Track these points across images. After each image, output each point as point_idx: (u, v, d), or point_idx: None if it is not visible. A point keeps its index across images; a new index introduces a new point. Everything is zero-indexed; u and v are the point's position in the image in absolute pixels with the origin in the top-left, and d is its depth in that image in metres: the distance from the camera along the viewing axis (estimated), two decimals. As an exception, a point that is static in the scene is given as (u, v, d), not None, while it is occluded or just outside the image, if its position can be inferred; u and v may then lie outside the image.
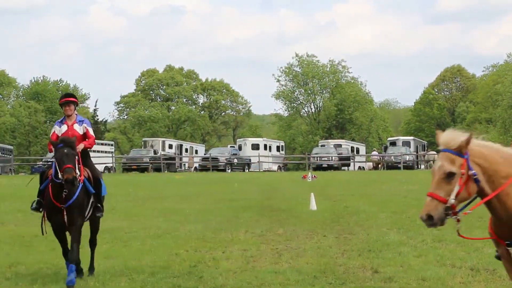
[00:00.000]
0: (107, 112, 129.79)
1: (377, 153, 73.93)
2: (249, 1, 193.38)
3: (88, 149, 11.94)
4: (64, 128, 11.64)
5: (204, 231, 16.68)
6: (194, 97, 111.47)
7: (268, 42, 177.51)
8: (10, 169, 68.53)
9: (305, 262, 12.31)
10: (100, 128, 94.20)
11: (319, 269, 11.55)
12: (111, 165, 69.78)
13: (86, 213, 11.22)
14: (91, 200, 11.28)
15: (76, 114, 11.71)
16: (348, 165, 68.60)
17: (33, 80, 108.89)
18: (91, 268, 11.58)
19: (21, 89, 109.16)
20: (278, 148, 77.56)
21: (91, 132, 11.75)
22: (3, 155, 71.47)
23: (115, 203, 24.94)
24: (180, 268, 11.86)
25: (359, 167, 71.21)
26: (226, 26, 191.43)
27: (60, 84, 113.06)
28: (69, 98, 11.81)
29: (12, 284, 10.91)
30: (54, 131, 11.93)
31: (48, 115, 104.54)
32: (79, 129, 11.51)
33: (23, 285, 10.78)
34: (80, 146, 11.28)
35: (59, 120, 12.16)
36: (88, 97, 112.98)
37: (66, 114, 11.72)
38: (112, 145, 79.23)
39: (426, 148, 79.79)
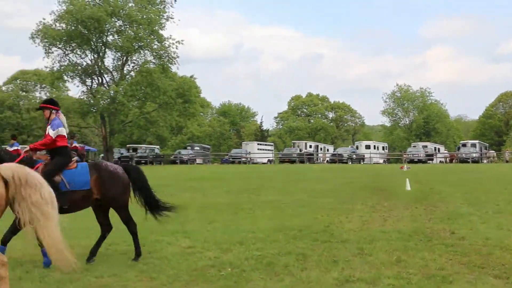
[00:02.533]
0: (269, 124, 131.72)
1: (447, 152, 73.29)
2: (365, 47, 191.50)
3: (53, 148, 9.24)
4: None
5: (334, 203, 16.61)
6: (325, 113, 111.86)
7: (378, 76, 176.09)
8: (208, 160, 70.49)
9: (402, 225, 12.09)
10: (264, 134, 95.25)
11: (412, 230, 11.31)
12: (272, 158, 70.60)
13: None
14: None
15: (54, 118, 9.24)
16: (432, 159, 66.94)
17: (222, 103, 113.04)
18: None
19: (215, 109, 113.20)
20: (383, 148, 76.70)
21: (49, 132, 9.15)
22: (204, 151, 73.69)
23: (275, 183, 25.22)
24: (318, 227, 11.87)
25: (440, 161, 69.43)
26: (350, 66, 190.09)
27: (240, 105, 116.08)
28: (43, 105, 9.53)
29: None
30: None
31: (231, 126, 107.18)
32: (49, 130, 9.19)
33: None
34: (27, 147, 9.29)
35: None
36: (257, 114, 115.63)
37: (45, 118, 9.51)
38: (272, 145, 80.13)
39: (487, 148, 77.42)
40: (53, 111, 9.29)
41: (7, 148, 23.88)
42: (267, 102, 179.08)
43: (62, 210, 8.38)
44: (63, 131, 9.16)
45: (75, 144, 24.15)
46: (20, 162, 8.38)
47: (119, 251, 9.43)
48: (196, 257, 8.97)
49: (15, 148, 23.17)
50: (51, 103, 9.45)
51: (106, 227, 9.23)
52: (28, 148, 9.19)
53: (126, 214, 9.15)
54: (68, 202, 8.64)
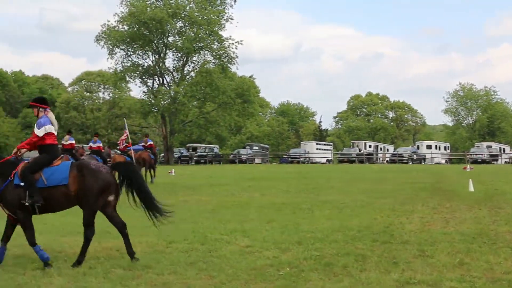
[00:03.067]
0: (328, 123, 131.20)
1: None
2: (427, 46, 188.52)
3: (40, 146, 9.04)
4: None
5: (393, 204, 16.36)
6: (385, 113, 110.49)
7: (440, 75, 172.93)
8: (267, 160, 70.72)
9: (465, 227, 11.79)
10: (323, 134, 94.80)
11: (476, 232, 11.03)
12: (330, 158, 70.24)
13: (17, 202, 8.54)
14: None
15: (42, 116, 9.05)
16: (497, 160, 65.05)
17: (280, 103, 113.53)
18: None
19: (273, 109, 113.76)
20: (445, 148, 75.00)
21: (34, 131, 8.96)
22: (263, 151, 73.98)
23: (334, 183, 25.05)
24: (377, 228, 11.72)
25: (505, 162, 67.38)
26: (411, 65, 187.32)
27: (298, 105, 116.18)
28: (32, 103, 9.29)
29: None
30: None
31: (290, 125, 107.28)
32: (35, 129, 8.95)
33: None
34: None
35: None
36: (315, 114, 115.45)
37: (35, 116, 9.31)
38: (331, 145, 79.71)
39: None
40: (41, 109, 9.17)
41: (90, 145, 25.04)
42: (326, 101, 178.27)
43: (42, 210, 8.65)
44: (51, 129, 9.03)
45: (71, 141, 23.97)
46: (7, 162, 8.75)
47: (179, 249, 9.55)
48: (255, 256, 9.00)
49: (98, 144, 25.06)
50: (39, 102, 9.30)
51: (120, 225, 8.99)
52: (16, 149, 9.17)
53: (90, 216, 8.69)
54: (43, 199, 8.49)
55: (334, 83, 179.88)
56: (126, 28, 64.46)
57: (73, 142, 23.77)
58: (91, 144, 25.66)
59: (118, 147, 28.51)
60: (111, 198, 8.84)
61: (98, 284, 7.35)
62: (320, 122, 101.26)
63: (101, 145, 25.66)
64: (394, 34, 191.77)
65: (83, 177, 8.59)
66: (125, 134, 28.71)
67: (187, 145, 75.79)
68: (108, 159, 26.03)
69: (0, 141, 73.71)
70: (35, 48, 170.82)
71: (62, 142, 24.07)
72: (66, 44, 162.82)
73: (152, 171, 27.69)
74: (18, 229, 11.46)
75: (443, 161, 68.86)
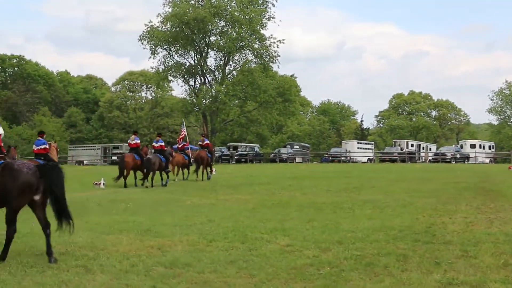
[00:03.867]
0: (369, 122, 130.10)
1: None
2: (473, 44, 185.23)
3: None
4: None
5: (436, 203, 16.11)
6: (428, 111, 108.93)
7: (486, 73, 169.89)
8: (307, 159, 70.51)
9: (510, 228, 11.53)
10: (364, 133, 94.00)
11: (522, 233, 10.81)
12: (372, 157, 69.63)
13: None
14: None
15: None
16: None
17: (321, 102, 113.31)
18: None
19: (314, 108, 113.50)
20: (489, 147, 73.48)
21: None
22: (304, 150, 73.81)
23: (376, 183, 24.82)
24: (419, 228, 11.56)
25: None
26: (456, 63, 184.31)
27: (339, 104, 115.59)
28: None
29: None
30: None
31: (331, 124, 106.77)
32: None
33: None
34: None
35: None
36: (357, 112, 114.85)
37: None
38: (372, 144, 79.00)
39: None
40: None
41: (153, 144, 27.01)
42: (368, 100, 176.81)
43: None
44: None
45: (136, 140, 26.30)
46: None
47: (219, 247, 9.59)
48: (295, 255, 8.98)
49: (160, 144, 26.40)
50: None
51: (43, 225, 8.94)
52: None
53: (11, 215, 8.62)
54: None
55: (376, 81, 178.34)
56: (169, 28, 65.13)
57: (138, 141, 26.08)
58: (154, 143, 26.95)
59: (177, 145, 29.83)
60: (36, 197, 8.80)
61: (139, 281, 7.43)
62: (361, 121, 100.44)
63: (163, 144, 26.79)
64: (438, 32, 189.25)
65: (3, 178, 8.59)
66: (183, 134, 30.76)
67: (228, 144, 76.11)
68: (171, 157, 27.40)
69: (46, 139, 75.21)
70: (81, 48, 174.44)
71: (129, 141, 26.60)
72: (110, 44, 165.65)
73: (208, 168, 29.37)
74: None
75: (487, 160, 67.47)
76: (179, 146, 29.68)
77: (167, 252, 9.10)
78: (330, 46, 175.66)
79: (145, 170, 24.88)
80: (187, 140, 30.39)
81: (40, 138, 19.77)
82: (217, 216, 13.53)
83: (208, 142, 30.89)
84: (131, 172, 25.45)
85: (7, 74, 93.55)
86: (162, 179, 25.74)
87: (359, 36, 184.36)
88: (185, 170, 30.17)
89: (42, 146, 19.39)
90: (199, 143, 30.92)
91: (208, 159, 29.13)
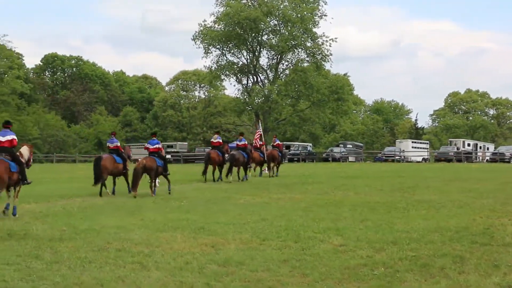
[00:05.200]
0: (424, 121, 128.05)
1: None
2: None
3: None
4: None
5: (494, 204, 15.69)
6: (485, 110, 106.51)
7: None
8: (361, 158, 69.92)
9: None
10: (419, 132, 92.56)
11: None
12: (427, 157, 68.50)
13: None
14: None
15: None
16: None
17: (374, 101, 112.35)
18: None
19: (368, 107, 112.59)
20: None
21: None
22: (357, 149, 73.24)
23: (431, 182, 24.39)
24: (476, 229, 11.28)
25: None
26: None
27: (393, 103, 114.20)
28: None
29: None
30: None
31: (385, 123, 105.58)
32: None
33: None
34: None
35: None
36: (411, 111, 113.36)
37: None
38: (427, 143, 77.70)
39: None
40: None
41: (237, 143, 28.99)
42: (423, 99, 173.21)
43: None
44: None
45: (218, 139, 27.70)
46: None
47: (272, 246, 9.60)
48: (349, 255, 8.91)
49: (244, 142, 28.60)
50: None
51: None
52: None
53: None
54: None
55: (432, 80, 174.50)
56: (222, 27, 65.61)
57: (220, 140, 27.93)
58: (237, 142, 28.95)
59: (253, 143, 31.69)
60: None
61: (193, 279, 7.51)
62: (416, 120, 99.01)
63: (246, 142, 28.91)
64: (498, 29, 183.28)
65: None
66: (258, 133, 32.54)
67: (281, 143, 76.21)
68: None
69: (102, 138, 76.97)
70: (137, 48, 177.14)
71: (211, 140, 28.50)
72: (166, 44, 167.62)
73: (278, 166, 31.90)
74: (118, 223, 11.93)
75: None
76: (256, 144, 31.42)
77: (220, 250, 9.17)
78: (384, 44, 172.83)
79: (229, 165, 26.78)
80: (263, 140, 32.50)
81: (154, 138, 20.87)
82: (270, 215, 13.54)
83: (279, 142, 33.50)
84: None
85: (66, 75, 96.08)
86: (239, 174, 27.51)
87: (414, 33, 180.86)
88: (258, 167, 32.32)
89: (156, 146, 20.47)
90: (271, 143, 33.69)
91: (279, 158, 31.87)
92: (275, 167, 31.64)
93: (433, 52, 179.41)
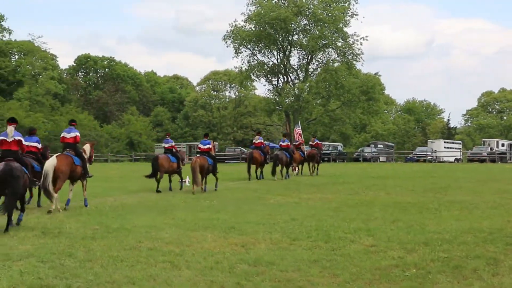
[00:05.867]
0: (457, 121, 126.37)
1: None
2: None
3: None
4: None
5: (529, 205, 15.46)
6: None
7: None
8: (392, 158, 69.36)
9: None
10: (451, 132, 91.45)
11: None
12: (459, 157, 67.64)
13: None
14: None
15: None
16: None
17: (406, 100, 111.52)
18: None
19: (399, 107, 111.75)
20: None
21: None
22: (388, 149, 72.66)
23: (463, 183, 24.10)
24: (511, 230, 11.12)
25: None
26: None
27: (425, 102, 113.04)
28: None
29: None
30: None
31: (416, 123, 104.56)
32: None
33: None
34: None
35: None
36: (443, 111, 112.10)
37: None
38: (460, 143, 76.72)
39: None
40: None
41: (280, 143, 30.54)
42: (455, 98, 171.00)
43: None
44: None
45: (260, 140, 28.91)
46: None
47: (303, 246, 9.58)
48: (380, 256, 8.85)
49: (287, 143, 30.19)
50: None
51: None
52: None
53: None
54: None
55: (466, 79, 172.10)
56: (253, 27, 65.66)
57: (262, 140, 29.27)
58: (281, 142, 30.61)
59: (295, 143, 33.59)
60: None
61: (224, 278, 7.53)
62: (448, 120, 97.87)
63: (288, 143, 30.66)
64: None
65: None
66: (298, 132, 35.15)
67: (310, 143, 76.01)
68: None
69: (133, 138, 77.69)
70: (170, 49, 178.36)
71: (253, 141, 29.90)
72: (199, 44, 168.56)
73: (317, 165, 33.33)
74: (149, 222, 12.03)
75: None
76: (297, 144, 33.08)
77: (250, 250, 9.18)
78: (418, 43, 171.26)
79: (273, 164, 28.38)
80: (302, 139, 34.63)
81: (206, 138, 22.73)
82: (300, 215, 13.52)
83: (318, 142, 34.93)
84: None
85: (98, 75, 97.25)
86: (282, 172, 29.14)
87: (448, 32, 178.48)
88: (300, 166, 33.53)
89: (207, 146, 22.28)
90: (310, 143, 34.71)
91: (318, 157, 33.36)
92: (314, 166, 33.08)
93: (467, 51, 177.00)
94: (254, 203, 16.51)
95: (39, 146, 15.85)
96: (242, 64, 67.77)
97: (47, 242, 9.81)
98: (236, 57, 67.49)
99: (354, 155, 68.38)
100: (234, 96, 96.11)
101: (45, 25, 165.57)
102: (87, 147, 16.79)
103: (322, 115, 70.39)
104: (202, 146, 22.22)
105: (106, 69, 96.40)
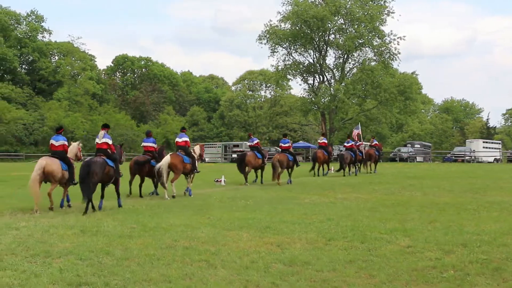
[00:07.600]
0: (496, 121, 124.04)
1: None
2: None
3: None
4: None
5: None
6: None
7: None
8: (429, 158, 68.58)
9: None
10: (491, 132, 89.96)
11: None
12: (499, 157, 66.49)
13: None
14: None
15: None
16: None
17: (444, 100, 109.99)
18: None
19: (436, 106, 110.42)
20: None
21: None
22: (425, 149, 71.85)
23: (503, 184, 23.66)
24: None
25: None
26: None
27: (463, 102, 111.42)
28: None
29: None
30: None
31: (454, 123, 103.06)
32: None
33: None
34: None
35: None
36: (482, 110, 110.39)
37: None
38: (499, 143, 75.43)
39: None
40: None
41: (344, 144, 33.55)
42: (495, 98, 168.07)
43: None
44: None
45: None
46: None
47: (338, 246, 9.52)
48: (416, 257, 8.74)
49: (351, 143, 32.94)
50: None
51: None
52: None
53: None
54: None
55: (506, 78, 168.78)
56: (289, 27, 65.53)
57: (326, 141, 31.86)
58: (345, 144, 33.48)
59: (357, 142, 35.18)
60: None
61: (259, 277, 7.53)
62: (487, 119, 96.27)
63: (352, 143, 33.05)
64: None
65: None
66: (358, 133, 37.09)
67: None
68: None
69: (170, 138, 78.36)
70: (207, 48, 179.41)
71: (318, 140, 33.00)
72: (236, 44, 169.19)
73: (375, 164, 35.77)
74: (185, 221, 12.11)
75: None
76: (357, 144, 34.71)
77: (286, 250, 9.17)
78: (458, 41, 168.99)
79: (339, 163, 32.06)
80: (361, 140, 37.08)
81: (284, 138, 26.32)
82: (336, 215, 13.45)
83: (377, 142, 37.12)
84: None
85: (135, 75, 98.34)
86: (350, 170, 32.68)
87: (489, 30, 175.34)
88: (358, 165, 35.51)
89: (287, 144, 26.17)
90: (369, 143, 37.06)
91: (376, 156, 35.66)
92: (372, 165, 35.57)
93: (509, 49, 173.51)
94: (289, 203, 16.48)
95: (155, 146, 20.09)
96: (278, 64, 67.75)
97: (86, 240, 9.95)
98: (272, 56, 67.49)
99: (391, 154, 67.81)
100: (270, 96, 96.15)
101: (83, 25, 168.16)
102: (196, 148, 20.57)
103: (358, 114, 69.91)
104: (283, 145, 25.97)
105: (143, 69, 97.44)
